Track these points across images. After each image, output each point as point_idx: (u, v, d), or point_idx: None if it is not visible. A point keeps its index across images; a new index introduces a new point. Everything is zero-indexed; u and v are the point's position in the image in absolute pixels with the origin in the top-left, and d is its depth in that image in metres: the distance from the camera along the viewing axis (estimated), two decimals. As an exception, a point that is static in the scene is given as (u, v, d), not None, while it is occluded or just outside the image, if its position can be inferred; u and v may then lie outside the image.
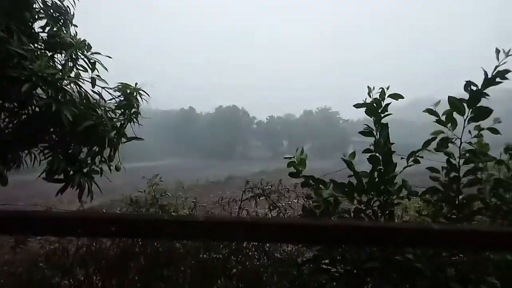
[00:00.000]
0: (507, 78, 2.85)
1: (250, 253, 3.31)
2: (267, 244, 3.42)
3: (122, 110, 4.25)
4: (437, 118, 3.06)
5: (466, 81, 2.94)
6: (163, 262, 3.24)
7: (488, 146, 3.08)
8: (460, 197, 2.97)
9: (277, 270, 3.03)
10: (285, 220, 1.76)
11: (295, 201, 3.95)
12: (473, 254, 2.64)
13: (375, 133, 3.19)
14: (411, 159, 3.01)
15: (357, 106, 3.31)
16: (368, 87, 3.26)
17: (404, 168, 3.01)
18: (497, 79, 2.85)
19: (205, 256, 3.13)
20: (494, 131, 3.01)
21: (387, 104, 3.18)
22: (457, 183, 2.98)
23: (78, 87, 3.90)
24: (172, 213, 3.70)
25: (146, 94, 4.40)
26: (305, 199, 3.21)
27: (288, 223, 1.31)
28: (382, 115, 3.20)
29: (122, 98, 4.28)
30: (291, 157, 3.26)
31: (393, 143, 3.16)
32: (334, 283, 2.75)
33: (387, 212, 2.98)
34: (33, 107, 3.77)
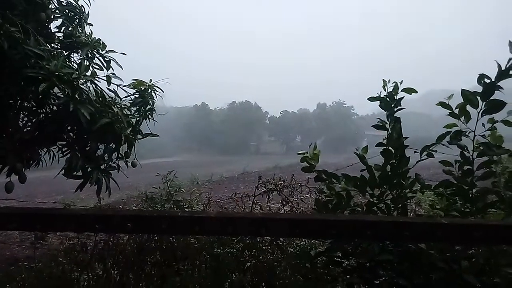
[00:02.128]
0: None
1: (263, 247, 3.34)
2: (281, 239, 3.46)
3: (138, 107, 4.33)
4: (450, 111, 3.04)
5: (480, 74, 2.91)
6: (178, 257, 3.31)
7: (502, 139, 3.05)
8: (474, 190, 2.95)
9: (291, 264, 3.06)
10: (291, 216, 1.78)
11: (308, 195, 3.97)
12: (487, 246, 2.63)
13: (388, 127, 3.19)
14: (425, 153, 3.00)
15: (371, 99, 3.30)
16: (383, 80, 3.25)
17: (418, 162, 3.00)
18: (511, 72, 2.82)
19: (219, 250, 3.18)
20: (508, 123, 2.98)
21: (400, 98, 3.17)
22: (471, 176, 2.96)
23: (94, 86, 3.98)
24: (186, 209, 3.76)
25: (160, 91, 4.46)
26: (318, 194, 3.22)
27: (294, 218, 1.34)
28: (395, 109, 3.19)
29: (137, 95, 4.36)
30: (305, 153, 3.29)
31: (407, 137, 3.15)
32: (347, 276, 2.76)
33: (400, 206, 2.98)
34: (51, 106, 3.86)
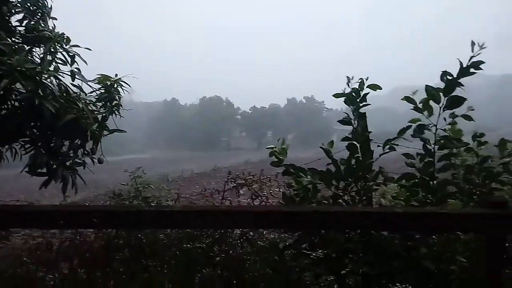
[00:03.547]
0: (481, 69, 2.98)
1: (233, 242, 3.37)
2: (251, 233, 3.50)
3: (103, 103, 4.24)
4: (414, 106, 3.17)
5: (442, 71, 3.05)
6: (147, 253, 3.30)
7: (462, 133, 3.21)
8: (435, 182, 3.09)
9: (260, 257, 3.11)
10: (256, 208, 1.83)
11: (277, 190, 4.02)
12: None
13: (353, 122, 3.28)
14: (387, 146, 3.12)
15: (337, 96, 3.39)
16: (347, 77, 3.33)
17: (381, 155, 3.11)
18: (472, 70, 2.97)
19: (188, 246, 3.19)
20: (467, 117, 3.14)
21: (365, 94, 3.27)
22: (432, 168, 3.10)
23: (57, 81, 3.88)
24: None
25: (127, 86, 4.38)
26: (286, 188, 3.28)
27: (259, 211, 1.37)
28: (361, 104, 3.28)
29: (103, 91, 4.27)
30: (273, 147, 3.35)
31: (371, 132, 3.25)
32: (314, 267, 2.84)
33: (364, 198, 3.08)
34: (13, 101, 3.74)
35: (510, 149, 3.17)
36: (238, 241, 3.34)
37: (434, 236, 2.82)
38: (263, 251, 3.15)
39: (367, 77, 3.26)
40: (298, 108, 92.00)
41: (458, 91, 3.05)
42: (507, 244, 2.65)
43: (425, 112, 3.16)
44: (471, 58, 2.95)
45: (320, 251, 2.88)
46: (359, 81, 3.23)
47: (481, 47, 2.92)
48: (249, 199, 3.90)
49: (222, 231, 3.31)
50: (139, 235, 3.41)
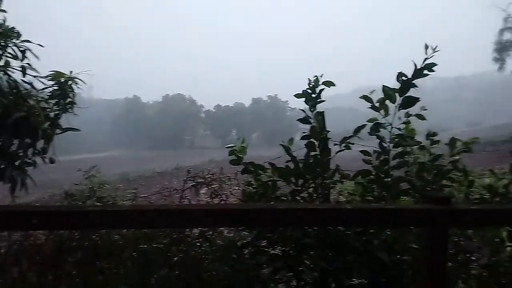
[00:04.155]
0: (433, 71, 3.11)
1: (192, 241, 3.34)
2: (210, 232, 3.47)
3: (57, 100, 4.08)
4: (371, 105, 3.26)
5: (398, 72, 3.16)
6: (101, 254, 3.19)
7: (415, 131, 3.33)
8: (389, 179, 3.20)
9: (219, 256, 3.09)
10: (209, 206, 1.81)
11: (237, 188, 4.02)
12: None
13: (312, 120, 3.32)
14: (343, 144, 3.19)
15: (298, 96, 3.42)
16: (308, 78, 3.38)
17: (337, 152, 3.17)
18: (425, 71, 3.09)
19: (145, 246, 3.13)
20: (420, 117, 3.27)
21: (321, 90, 3.31)
22: (387, 166, 3.20)
23: (7, 76, 3.70)
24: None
25: (82, 83, 4.24)
26: (246, 186, 3.28)
27: (211, 209, 1.35)
28: (317, 100, 3.32)
29: (56, 88, 4.10)
30: (233, 146, 3.35)
31: (329, 131, 3.30)
32: (273, 263, 2.86)
33: (322, 194, 3.13)
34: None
35: (459, 148, 3.32)
36: (197, 241, 3.30)
37: (387, 230, 2.93)
38: (221, 250, 3.13)
39: (322, 74, 3.31)
40: (263, 107, 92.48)
41: (413, 92, 3.16)
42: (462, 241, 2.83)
43: (382, 111, 3.25)
44: (424, 60, 3.07)
45: (278, 247, 2.91)
46: (314, 78, 3.27)
47: (434, 50, 3.05)
48: (208, 198, 3.87)
49: (180, 231, 3.26)
50: (93, 236, 3.30)
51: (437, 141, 3.34)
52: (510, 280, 2.79)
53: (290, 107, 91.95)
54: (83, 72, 4.28)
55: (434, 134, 3.37)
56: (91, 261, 3.18)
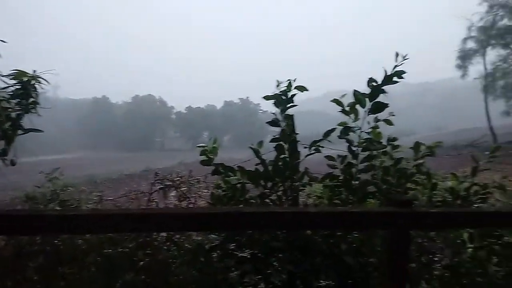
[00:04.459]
0: (403, 78, 3.18)
1: (159, 245, 3.27)
2: (178, 235, 3.41)
3: (19, 100, 3.92)
4: (342, 109, 3.31)
5: (369, 78, 3.23)
6: (64, 259, 3.08)
7: (381, 135, 3.40)
8: (357, 182, 3.25)
9: (187, 260, 3.05)
10: (175, 210, 1.79)
11: (206, 191, 3.97)
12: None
13: (282, 124, 3.33)
14: (313, 148, 3.22)
15: (267, 98, 3.42)
16: (277, 80, 3.38)
17: (306, 156, 3.20)
18: (395, 78, 3.17)
19: (110, 250, 3.04)
20: (388, 122, 3.35)
21: (292, 95, 3.33)
22: (354, 169, 3.25)
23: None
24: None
25: (46, 82, 4.09)
26: (216, 188, 3.25)
27: (177, 213, 1.33)
28: (288, 105, 3.34)
29: (18, 87, 3.95)
30: (204, 146, 3.31)
31: (298, 133, 3.32)
32: (241, 266, 2.84)
33: (291, 197, 3.15)
34: None
35: (423, 152, 3.41)
36: (164, 245, 3.24)
37: (355, 233, 2.97)
38: (189, 253, 3.08)
39: (295, 79, 3.33)
40: (235, 109, 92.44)
41: (382, 97, 3.23)
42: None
43: (352, 115, 3.30)
44: (394, 67, 3.15)
45: (247, 250, 2.90)
46: (287, 82, 3.29)
47: (404, 58, 3.13)
48: (177, 201, 3.80)
49: (147, 235, 3.19)
50: (55, 240, 3.19)
51: (398, 146, 3.41)
52: (471, 280, 2.88)
53: (262, 110, 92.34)
54: (48, 72, 4.15)
55: (394, 139, 3.44)
56: (53, 266, 3.07)
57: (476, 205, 3.13)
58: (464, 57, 42.07)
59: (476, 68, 41.89)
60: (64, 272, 3.01)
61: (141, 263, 3.04)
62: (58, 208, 3.57)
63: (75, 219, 1.15)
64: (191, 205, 3.71)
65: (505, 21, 38.51)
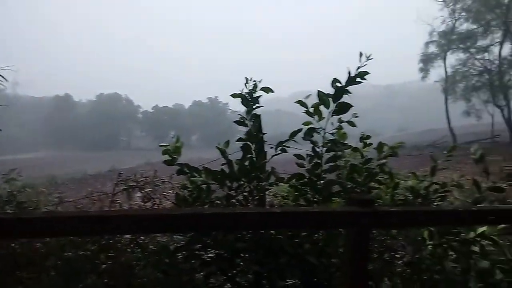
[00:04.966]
0: (365, 79, 3.23)
1: (123, 247, 3.19)
2: (141, 237, 3.34)
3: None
4: (306, 110, 3.33)
5: (333, 78, 3.25)
6: (21, 263, 2.95)
7: (346, 136, 3.46)
8: (322, 181, 3.29)
9: (151, 261, 2.99)
10: (133, 212, 1.76)
11: (171, 192, 3.91)
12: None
13: (248, 123, 3.33)
14: (279, 148, 3.24)
15: (234, 96, 3.41)
16: (246, 78, 3.38)
17: (272, 156, 3.21)
18: (358, 79, 3.21)
19: (70, 254, 2.94)
20: (351, 124, 3.40)
21: (258, 96, 3.34)
22: (319, 169, 3.29)
23: None
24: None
25: (3, 79, 3.93)
26: (181, 189, 3.20)
27: (135, 214, 1.30)
28: (254, 106, 3.34)
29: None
30: (167, 145, 3.25)
31: (265, 133, 3.33)
32: (207, 268, 2.82)
33: (257, 197, 3.15)
34: None
35: (386, 152, 3.50)
36: (128, 247, 3.16)
37: (319, 233, 3.01)
38: (153, 255, 3.03)
39: (261, 80, 3.34)
40: (203, 109, 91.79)
41: (347, 98, 3.27)
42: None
43: (316, 116, 3.33)
44: (358, 68, 3.19)
45: (212, 251, 2.88)
46: (253, 83, 3.29)
47: (368, 58, 3.18)
48: (141, 202, 3.72)
49: (110, 237, 3.11)
50: (12, 244, 3.05)
51: (370, 144, 3.48)
52: (431, 276, 2.97)
53: (230, 109, 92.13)
54: (6, 67, 3.97)
55: (368, 137, 3.51)
56: (10, 270, 2.93)
57: (435, 204, 3.23)
58: (426, 61, 43.68)
59: (437, 71, 43.63)
60: (22, 277, 2.89)
61: (104, 266, 2.96)
62: (14, 210, 3.41)
63: (30, 222, 1.10)
64: (156, 206, 3.64)
65: (466, 26, 40.27)
